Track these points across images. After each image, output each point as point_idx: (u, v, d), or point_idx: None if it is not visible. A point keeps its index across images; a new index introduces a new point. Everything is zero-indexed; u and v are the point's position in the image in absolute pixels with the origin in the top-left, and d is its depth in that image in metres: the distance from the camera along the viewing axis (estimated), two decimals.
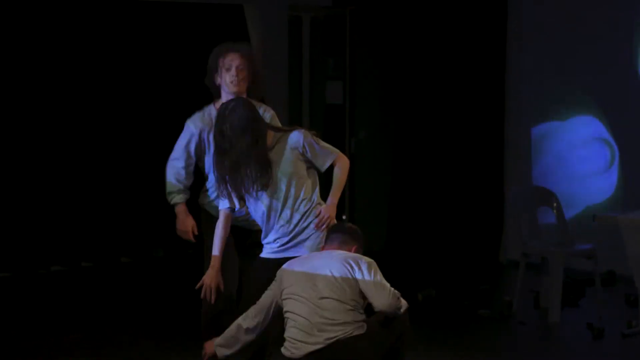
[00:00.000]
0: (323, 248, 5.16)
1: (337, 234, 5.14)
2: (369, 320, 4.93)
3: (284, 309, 4.96)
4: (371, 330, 4.89)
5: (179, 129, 5.76)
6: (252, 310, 5.06)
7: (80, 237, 9.23)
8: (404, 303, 4.94)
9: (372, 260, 4.98)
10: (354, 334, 4.84)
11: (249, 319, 5.05)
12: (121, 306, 7.93)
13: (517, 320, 7.55)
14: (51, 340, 6.90)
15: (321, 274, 4.89)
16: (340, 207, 10.56)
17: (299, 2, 10.26)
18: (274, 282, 5.03)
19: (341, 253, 5.01)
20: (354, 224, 5.30)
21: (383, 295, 4.86)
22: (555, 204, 7.88)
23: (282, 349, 4.92)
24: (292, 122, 10.17)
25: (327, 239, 5.15)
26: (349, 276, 4.89)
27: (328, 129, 10.20)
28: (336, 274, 4.88)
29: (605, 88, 9.07)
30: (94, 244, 9.30)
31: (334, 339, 4.82)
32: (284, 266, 5.04)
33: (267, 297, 5.04)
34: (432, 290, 8.21)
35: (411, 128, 10.20)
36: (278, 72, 10.03)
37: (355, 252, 5.08)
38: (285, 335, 4.95)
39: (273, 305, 5.01)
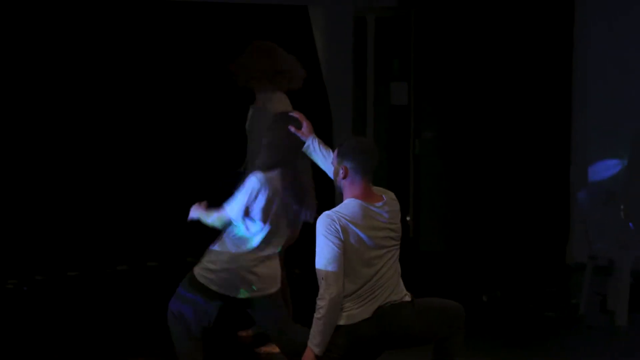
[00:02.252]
0: (344, 173, 4.85)
1: (369, 173, 4.87)
2: (421, 299, 4.94)
3: None
4: (419, 303, 4.90)
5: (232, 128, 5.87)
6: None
7: (146, 236, 9.31)
8: None
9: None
10: (404, 299, 4.87)
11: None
12: None
13: (584, 323, 7.47)
14: (121, 339, 6.97)
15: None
16: (404, 209, 10.54)
17: (364, 3, 10.25)
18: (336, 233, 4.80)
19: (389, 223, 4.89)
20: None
21: None
22: (622, 205, 7.78)
23: None
24: (356, 123, 10.17)
25: (355, 169, 4.84)
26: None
27: (392, 130, 10.17)
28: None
29: None
30: (160, 243, 9.37)
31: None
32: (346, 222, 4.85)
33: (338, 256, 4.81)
34: (497, 291, 8.16)
35: (476, 129, 10.14)
36: (342, 73, 10.03)
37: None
38: None
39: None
